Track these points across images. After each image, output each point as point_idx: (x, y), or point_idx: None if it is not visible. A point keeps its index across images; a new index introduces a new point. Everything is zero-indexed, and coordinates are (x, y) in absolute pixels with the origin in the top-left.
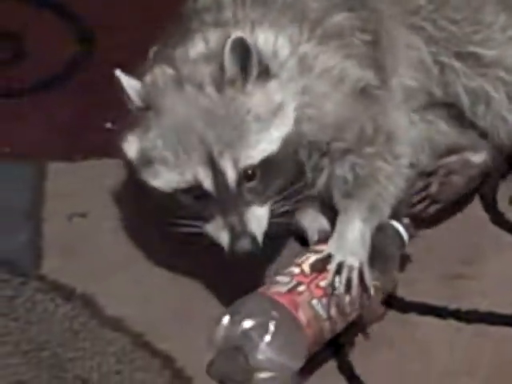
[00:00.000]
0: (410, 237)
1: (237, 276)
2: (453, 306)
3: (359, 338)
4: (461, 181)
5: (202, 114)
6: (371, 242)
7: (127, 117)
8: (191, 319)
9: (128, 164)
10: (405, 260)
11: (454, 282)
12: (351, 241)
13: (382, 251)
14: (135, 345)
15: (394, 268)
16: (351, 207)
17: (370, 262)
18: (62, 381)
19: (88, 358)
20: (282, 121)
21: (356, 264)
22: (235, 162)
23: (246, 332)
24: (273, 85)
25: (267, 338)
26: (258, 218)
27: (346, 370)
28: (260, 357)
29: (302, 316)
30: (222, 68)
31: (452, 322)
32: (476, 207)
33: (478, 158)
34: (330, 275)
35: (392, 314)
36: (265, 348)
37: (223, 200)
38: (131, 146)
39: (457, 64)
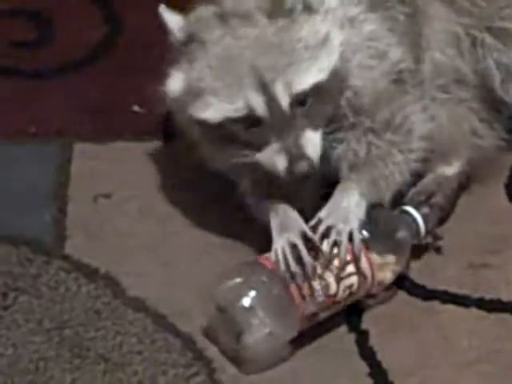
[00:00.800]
0: (429, 227)
1: None
2: (476, 295)
3: (381, 324)
4: (442, 201)
5: (252, 43)
6: (384, 225)
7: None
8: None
9: (170, 106)
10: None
11: (477, 271)
12: (345, 209)
13: (393, 235)
14: (157, 325)
15: (406, 253)
16: (352, 179)
17: (381, 245)
18: (84, 360)
19: (110, 337)
20: (329, 51)
21: (346, 229)
22: (288, 87)
23: (229, 292)
24: (318, 18)
25: (250, 294)
26: (313, 141)
27: (368, 356)
28: (242, 315)
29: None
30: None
31: (474, 311)
32: (500, 197)
33: (453, 168)
34: (316, 236)
35: (415, 301)
36: (246, 306)
37: (277, 125)
38: (176, 81)
39: (488, 38)
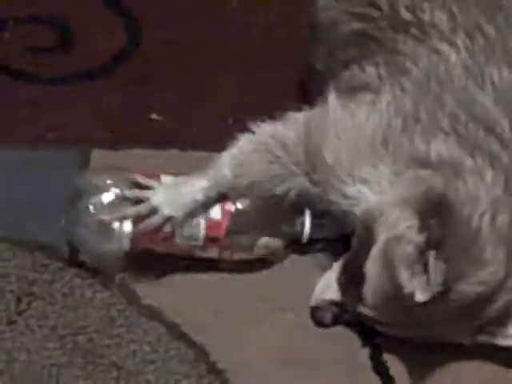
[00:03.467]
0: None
1: (281, 272)
2: None
3: (394, 339)
4: None
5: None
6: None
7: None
8: (229, 313)
9: None
10: None
11: None
12: None
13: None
14: (171, 335)
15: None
16: None
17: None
18: (97, 367)
19: (124, 345)
20: None
21: None
22: None
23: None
24: None
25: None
26: None
27: (382, 370)
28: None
29: None
30: None
31: None
32: None
33: None
34: None
35: None
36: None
37: None
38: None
39: None
